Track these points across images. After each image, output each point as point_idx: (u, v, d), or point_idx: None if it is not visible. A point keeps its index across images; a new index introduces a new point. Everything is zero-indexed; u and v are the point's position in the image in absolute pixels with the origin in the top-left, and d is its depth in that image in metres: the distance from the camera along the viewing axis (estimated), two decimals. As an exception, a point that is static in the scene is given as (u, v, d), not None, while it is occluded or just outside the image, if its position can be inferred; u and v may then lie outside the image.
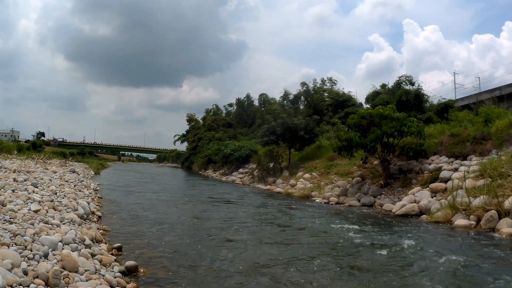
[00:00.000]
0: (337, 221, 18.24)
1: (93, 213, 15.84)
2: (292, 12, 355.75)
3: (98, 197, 23.15)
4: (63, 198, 15.55)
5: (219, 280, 9.06)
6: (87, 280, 7.36)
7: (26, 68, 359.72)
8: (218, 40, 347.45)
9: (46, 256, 7.66)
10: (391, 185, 25.70)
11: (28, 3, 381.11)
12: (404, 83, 56.94)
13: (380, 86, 64.22)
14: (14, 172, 21.60)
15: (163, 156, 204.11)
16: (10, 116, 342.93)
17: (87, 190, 23.32)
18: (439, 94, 65.81)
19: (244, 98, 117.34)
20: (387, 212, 21.96)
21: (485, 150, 22.78)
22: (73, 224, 11.41)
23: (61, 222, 10.98)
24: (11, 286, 6.00)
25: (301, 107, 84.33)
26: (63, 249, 8.41)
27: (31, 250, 7.60)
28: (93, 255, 9.14)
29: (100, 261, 8.90)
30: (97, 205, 18.70)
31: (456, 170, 22.08)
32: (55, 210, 12.42)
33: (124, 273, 8.72)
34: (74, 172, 35.36)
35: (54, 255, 7.84)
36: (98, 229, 13.04)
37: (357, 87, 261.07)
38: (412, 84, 55.62)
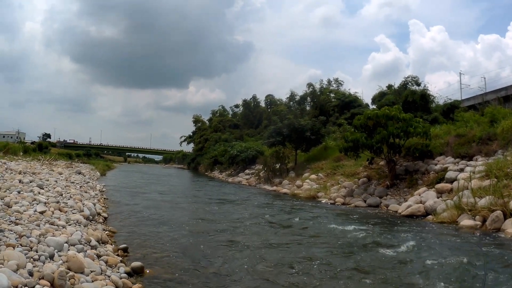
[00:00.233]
0: (342, 221, 18.24)
1: (99, 214, 15.89)
2: (298, 13, 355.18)
3: (104, 198, 23.20)
4: (69, 199, 15.62)
5: (225, 281, 9.08)
6: (92, 281, 7.38)
7: (32, 71, 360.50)
8: (224, 41, 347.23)
9: (51, 257, 7.68)
10: (397, 185, 25.67)
11: (33, 6, 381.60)
12: (410, 83, 56.81)
13: (386, 86, 64.08)
14: (20, 173, 21.67)
15: (169, 157, 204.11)
16: (16, 118, 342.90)
17: (93, 191, 23.38)
18: (445, 95, 65.50)
19: (250, 99, 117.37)
20: (393, 212, 21.92)
21: (491, 151, 22.74)
22: (79, 225, 11.45)
23: (66, 223, 11.02)
24: (16, 287, 6.02)
25: (308, 108, 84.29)
26: (68, 250, 8.44)
27: (37, 251, 7.63)
28: (99, 256, 9.17)
29: (106, 262, 8.92)
30: (103, 206, 18.78)
31: (462, 170, 22.05)
32: (60, 211, 12.46)
33: (130, 274, 8.74)
34: (80, 173, 35.39)
35: (59, 256, 7.87)
36: (104, 230, 13.06)
37: (363, 87, 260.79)
38: (418, 84, 55.50)
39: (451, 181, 21.48)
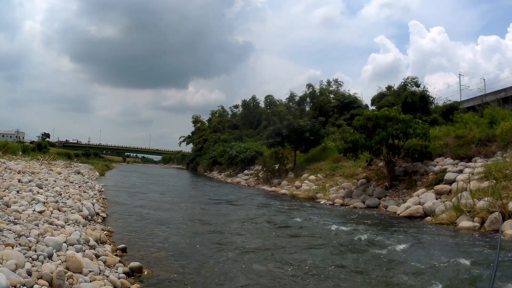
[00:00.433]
0: (340, 222, 18.24)
1: (97, 214, 15.91)
2: (298, 13, 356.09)
3: (103, 198, 23.24)
4: (67, 199, 15.61)
5: (223, 281, 9.08)
6: (91, 281, 7.38)
7: (32, 70, 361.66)
8: (224, 41, 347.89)
9: (50, 257, 7.68)
10: (396, 187, 25.69)
11: (33, 5, 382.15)
12: (410, 84, 56.79)
13: (386, 87, 63.98)
14: (19, 173, 21.64)
15: (168, 158, 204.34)
16: (15, 117, 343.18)
17: (92, 191, 23.42)
18: (445, 96, 65.66)
19: (249, 99, 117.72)
20: (391, 214, 21.91)
21: (490, 152, 22.77)
22: (78, 225, 11.45)
23: (65, 223, 11.02)
24: (15, 286, 6.02)
25: (307, 108, 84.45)
26: (67, 250, 8.44)
27: (35, 251, 7.63)
28: (97, 256, 9.17)
29: (105, 262, 8.92)
30: (101, 206, 18.81)
31: (461, 172, 22.09)
32: (59, 211, 12.46)
33: (128, 274, 8.75)
34: (79, 173, 35.41)
35: (58, 256, 7.87)
36: (102, 230, 13.07)
37: (363, 88, 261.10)
38: (418, 85, 55.41)
39: (450, 182, 21.50)
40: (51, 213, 11.68)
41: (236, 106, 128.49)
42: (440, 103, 51.52)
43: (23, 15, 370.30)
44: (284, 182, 39.59)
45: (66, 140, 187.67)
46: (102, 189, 28.31)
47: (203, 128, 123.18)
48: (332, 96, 74.50)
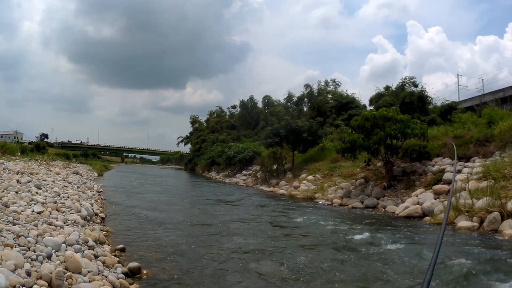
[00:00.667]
0: (338, 222, 18.28)
1: (96, 214, 15.90)
2: (296, 13, 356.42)
3: (102, 198, 23.22)
4: (66, 199, 15.60)
5: (220, 281, 9.10)
6: (90, 281, 7.38)
7: (30, 70, 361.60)
8: (222, 41, 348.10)
9: (49, 257, 7.68)
10: (394, 187, 25.68)
11: (31, 5, 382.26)
12: (407, 85, 56.85)
13: (384, 88, 64.02)
14: (17, 173, 21.68)
15: (166, 158, 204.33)
16: (13, 118, 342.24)
17: (90, 191, 23.39)
18: (443, 96, 65.67)
19: (247, 100, 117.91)
20: (390, 214, 21.91)
21: (488, 152, 22.79)
22: (77, 226, 11.45)
23: (64, 223, 11.02)
24: (14, 287, 6.02)
25: (305, 109, 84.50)
26: (66, 250, 8.44)
27: (35, 251, 7.63)
28: (96, 257, 9.17)
29: (103, 263, 8.92)
30: (100, 207, 18.77)
31: (459, 172, 22.08)
32: (58, 212, 12.46)
33: (127, 275, 8.74)
34: (77, 173, 35.39)
35: (57, 256, 7.86)
36: (101, 230, 13.07)
37: (361, 88, 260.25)
38: (416, 86, 55.45)
39: (449, 182, 21.46)
40: (50, 214, 11.69)
41: (234, 107, 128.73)
42: (438, 103, 51.58)
43: (21, 16, 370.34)
44: (282, 182, 39.64)
45: (69, 141, 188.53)
46: (101, 190, 28.30)
47: (201, 129, 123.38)
48: (330, 96, 74.49)
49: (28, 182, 17.73)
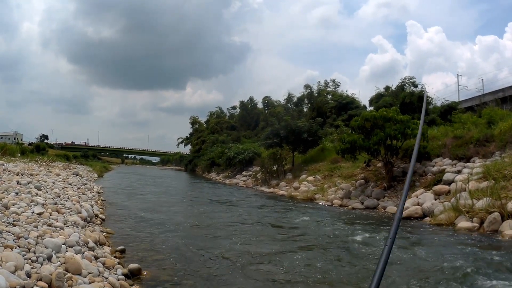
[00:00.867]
0: (338, 223, 18.31)
1: (96, 215, 15.89)
2: (296, 13, 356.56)
3: (102, 199, 23.21)
4: (66, 200, 15.60)
5: (221, 283, 9.10)
6: (90, 283, 7.37)
7: (30, 71, 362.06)
8: (222, 42, 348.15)
9: (49, 258, 7.68)
10: (395, 187, 25.68)
11: (31, 6, 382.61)
12: (407, 85, 56.89)
13: (384, 88, 64.15)
14: (17, 175, 21.70)
15: (166, 159, 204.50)
16: (13, 119, 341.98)
17: (91, 193, 23.40)
18: (443, 96, 65.68)
19: (247, 100, 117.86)
20: (390, 214, 21.93)
21: (488, 152, 22.77)
22: (77, 227, 11.45)
23: (64, 224, 11.02)
24: (14, 288, 6.01)
25: (305, 109, 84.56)
26: (66, 251, 8.44)
27: (35, 253, 7.62)
28: (96, 258, 9.16)
29: (104, 264, 8.91)
30: (100, 208, 18.77)
31: (459, 172, 22.10)
32: (58, 213, 12.46)
33: (127, 276, 8.74)
34: (77, 175, 35.45)
35: (57, 257, 7.86)
36: (101, 231, 13.07)
37: (361, 89, 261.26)
38: (416, 86, 55.53)
39: (449, 182, 21.49)
40: (50, 215, 11.68)
41: (233, 107, 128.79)
42: (438, 104, 51.55)
43: (21, 16, 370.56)
44: (283, 183, 39.70)
45: (72, 142, 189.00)
46: (101, 191, 28.27)
47: (201, 129, 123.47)
48: (330, 96, 74.68)
49: (28, 184, 17.71)
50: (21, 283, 6.18)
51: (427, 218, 19.17)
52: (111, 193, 28.93)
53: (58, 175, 29.27)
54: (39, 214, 11.17)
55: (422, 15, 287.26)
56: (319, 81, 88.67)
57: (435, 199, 20.80)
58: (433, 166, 24.91)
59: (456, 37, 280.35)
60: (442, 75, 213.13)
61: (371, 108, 57.56)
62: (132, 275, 8.91)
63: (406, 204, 21.46)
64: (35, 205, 12.14)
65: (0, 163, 28.58)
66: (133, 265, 9.15)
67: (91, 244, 9.99)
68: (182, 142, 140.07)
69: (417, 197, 21.99)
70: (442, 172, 23.20)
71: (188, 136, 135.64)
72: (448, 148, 25.39)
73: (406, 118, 25.39)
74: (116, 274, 8.53)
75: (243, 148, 64.87)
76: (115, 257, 10.12)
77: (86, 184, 28.25)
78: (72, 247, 8.91)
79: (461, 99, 55.87)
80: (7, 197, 12.29)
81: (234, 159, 62.40)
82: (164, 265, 10.16)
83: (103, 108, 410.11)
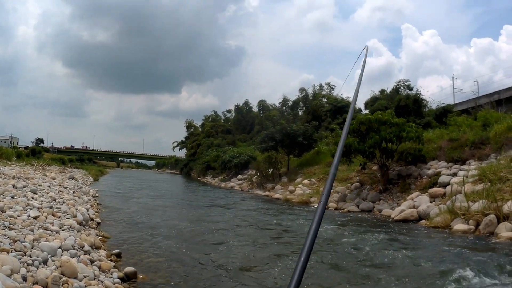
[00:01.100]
0: (332, 226, 18.27)
1: (92, 219, 15.86)
2: (291, 17, 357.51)
3: (97, 203, 23.21)
4: (62, 204, 15.59)
5: (216, 286, 9.11)
6: (86, 286, 7.37)
7: (26, 74, 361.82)
8: (217, 46, 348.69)
9: (45, 262, 7.67)
10: (390, 190, 25.75)
11: (27, 9, 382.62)
12: (402, 87, 56.95)
13: (379, 91, 64.22)
14: (13, 178, 21.66)
15: (162, 163, 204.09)
16: (9, 122, 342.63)
17: (86, 196, 23.39)
18: (438, 99, 65.79)
19: (242, 104, 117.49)
20: (386, 217, 21.97)
21: (484, 155, 22.82)
22: (72, 231, 11.43)
23: (60, 228, 11.01)
24: (10, 291, 6.00)
25: (300, 113, 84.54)
26: (62, 255, 8.42)
27: (31, 256, 7.62)
28: (92, 261, 9.15)
29: (99, 267, 8.91)
30: (96, 212, 18.78)
31: (455, 175, 22.16)
32: (54, 217, 12.45)
33: (123, 279, 8.74)
34: (73, 178, 35.36)
35: (53, 261, 7.85)
36: (97, 235, 13.06)
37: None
38: (411, 89, 55.54)
39: (444, 185, 21.57)
40: (46, 219, 11.67)
41: (229, 111, 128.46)
42: (434, 106, 51.68)
43: (17, 20, 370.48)
44: (278, 187, 39.69)
45: (71, 146, 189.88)
46: (96, 195, 28.26)
47: (196, 133, 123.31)
48: (325, 100, 74.81)
49: (24, 187, 17.71)
50: (17, 286, 6.17)
51: (423, 221, 19.18)
52: (106, 197, 28.92)
53: (53, 178, 29.27)
54: (35, 217, 11.17)
55: (418, 19, 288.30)
56: (314, 85, 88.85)
57: (431, 202, 20.82)
58: (429, 169, 24.95)
59: (452, 40, 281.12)
60: (438, 78, 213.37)
61: (367, 111, 57.54)
62: (128, 279, 8.91)
63: (402, 207, 21.57)
64: (31, 209, 12.14)
65: (-4, 167, 28.55)
66: (129, 269, 9.14)
67: (86, 247, 9.98)
68: (177, 145, 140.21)
69: (412, 199, 22.07)
70: (438, 174, 23.25)
71: (184, 140, 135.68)
72: (443, 150, 25.46)
73: (401, 121, 25.44)
74: (111, 277, 8.53)
75: (238, 151, 64.81)
76: (110, 260, 10.12)
77: (81, 187, 28.29)
78: (67, 250, 8.90)
79: (456, 102, 55.99)
80: (3, 201, 12.27)
81: (229, 162, 62.36)
82: (159, 268, 10.16)
83: (99, 112, 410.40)
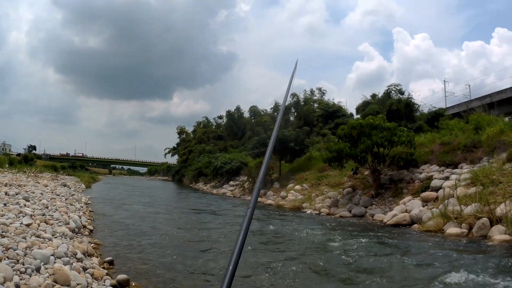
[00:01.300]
0: (323, 231, 18.30)
1: (84, 226, 15.82)
2: (282, 22, 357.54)
3: (90, 210, 23.14)
4: (54, 212, 15.53)
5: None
6: (79, 294, 7.36)
7: (18, 81, 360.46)
8: (208, 51, 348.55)
9: (38, 269, 7.65)
10: (382, 195, 25.79)
11: (18, 15, 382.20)
12: (393, 92, 57.12)
13: (371, 96, 64.58)
14: (5, 186, 21.55)
15: (154, 169, 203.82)
16: (1, 129, 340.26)
17: (79, 203, 23.30)
18: (430, 103, 65.89)
19: (234, 110, 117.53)
20: (378, 222, 22.01)
21: (476, 158, 22.87)
22: (65, 238, 11.40)
23: (53, 236, 10.97)
24: (3, 299, 5.99)
25: (292, 118, 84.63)
26: (55, 262, 8.40)
27: (23, 264, 7.59)
28: (85, 269, 9.13)
29: (92, 275, 8.88)
30: (88, 219, 18.71)
31: (447, 178, 22.21)
32: (46, 224, 12.41)
33: (115, 287, 8.72)
34: (65, 185, 35.23)
35: (46, 268, 7.83)
36: (89, 242, 13.03)
37: (348, 97, 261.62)
38: (402, 93, 55.83)
39: (437, 189, 21.60)
40: (39, 226, 11.63)
41: (220, 117, 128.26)
42: (425, 110, 51.92)
43: (9, 26, 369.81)
44: (270, 193, 39.66)
45: (67, 153, 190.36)
46: (89, 202, 28.17)
47: (188, 139, 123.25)
48: (316, 105, 74.97)
49: (16, 194, 17.62)
50: (10, 294, 6.15)
51: (415, 225, 19.23)
52: (99, 204, 28.82)
53: (46, 186, 29.15)
54: (28, 225, 11.14)
55: (409, 22, 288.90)
56: (305, 90, 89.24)
57: (423, 206, 20.87)
58: (421, 173, 25.04)
59: (443, 43, 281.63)
60: (429, 82, 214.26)
61: (358, 116, 57.85)
62: (121, 286, 8.89)
63: (394, 212, 21.60)
64: (23, 216, 12.10)
65: (-12, 174, 28.47)
66: (122, 276, 9.12)
67: (79, 255, 9.96)
68: (169, 152, 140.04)
69: (404, 204, 22.13)
70: (430, 178, 23.31)
71: (175, 146, 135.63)
72: (435, 154, 25.52)
73: (392, 126, 25.49)
74: (104, 285, 8.51)
75: (230, 157, 64.85)
76: (103, 268, 10.10)
77: (74, 195, 28.14)
78: (60, 258, 8.87)
79: (448, 106, 56.32)
80: (-5, 208, 12.25)
81: (221, 168, 62.41)
82: (152, 276, 10.16)
83: (90, 118, 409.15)
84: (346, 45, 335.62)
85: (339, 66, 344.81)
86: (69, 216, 15.19)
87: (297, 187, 36.49)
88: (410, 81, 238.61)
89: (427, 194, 21.68)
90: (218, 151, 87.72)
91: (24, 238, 9.55)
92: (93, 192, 44.03)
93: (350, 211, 25.38)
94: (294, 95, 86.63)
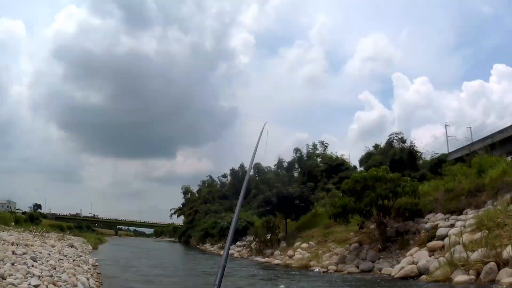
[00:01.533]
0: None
1: (92, 289, 15.86)
2: (282, 74, 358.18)
3: (97, 272, 23.06)
4: (62, 273, 15.57)
5: None
6: None
7: (21, 137, 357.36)
8: (210, 107, 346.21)
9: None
10: (389, 248, 25.74)
11: (19, 68, 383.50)
12: (395, 141, 57.22)
13: (373, 146, 64.50)
14: (12, 244, 21.63)
15: (160, 230, 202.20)
16: (6, 186, 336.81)
17: (86, 265, 23.26)
18: (432, 149, 65.80)
19: (238, 168, 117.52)
20: (386, 276, 21.94)
21: (481, 202, 22.90)
22: (74, 300, 11.45)
23: (61, 298, 11.02)
24: None
25: (296, 174, 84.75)
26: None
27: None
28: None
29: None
30: (96, 281, 18.68)
31: (452, 226, 22.23)
32: (54, 286, 12.51)
33: None
34: (72, 246, 35.25)
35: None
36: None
37: (350, 149, 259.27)
38: (404, 141, 55.89)
39: (442, 237, 21.57)
40: (47, 288, 11.69)
41: (224, 176, 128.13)
42: (428, 157, 51.96)
43: (10, 79, 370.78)
44: (277, 252, 39.56)
45: (77, 214, 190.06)
46: (96, 264, 28.08)
47: (193, 199, 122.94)
48: (319, 159, 75.35)
49: (23, 254, 17.72)
50: None
51: (424, 276, 19.11)
52: (106, 266, 28.79)
53: (53, 246, 29.22)
54: (36, 286, 11.22)
55: (408, 66, 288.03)
56: (308, 144, 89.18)
57: (430, 256, 20.84)
58: (426, 222, 25.10)
59: (443, 85, 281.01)
60: (431, 127, 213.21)
61: (361, 168, 57.80)
62: None
63: (402, 264, 21.50)
64: (31, 277, 12.18)
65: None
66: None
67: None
68: (175, 212, 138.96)
69: (411, 255, 22.07)
70: (435, 227, 23.34)
71: (181, 206, 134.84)
72: (440, 202, 25.62)
73: (396, 176, 25.69)
74: None
75: (236, 217, 64.42)
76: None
77: (81, 256, 28.13)
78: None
79: (450, 150, 56.26)
80: (3, 267, 12.33)
81: (227, 229, 61.50)
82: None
83: (94, 178, 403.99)
84: (347, 94, 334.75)
85: (341, 117, 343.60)
86: (77, 278, 15.27)
87: (304, 245, 36.49)
88: (412, 128, 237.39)
89: (433, 243, 21.68)
90: (223, 211, 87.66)
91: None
92: (101, 254, 43.93)
93: (357, 267, 25.25)
94: (297, 150, 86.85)
